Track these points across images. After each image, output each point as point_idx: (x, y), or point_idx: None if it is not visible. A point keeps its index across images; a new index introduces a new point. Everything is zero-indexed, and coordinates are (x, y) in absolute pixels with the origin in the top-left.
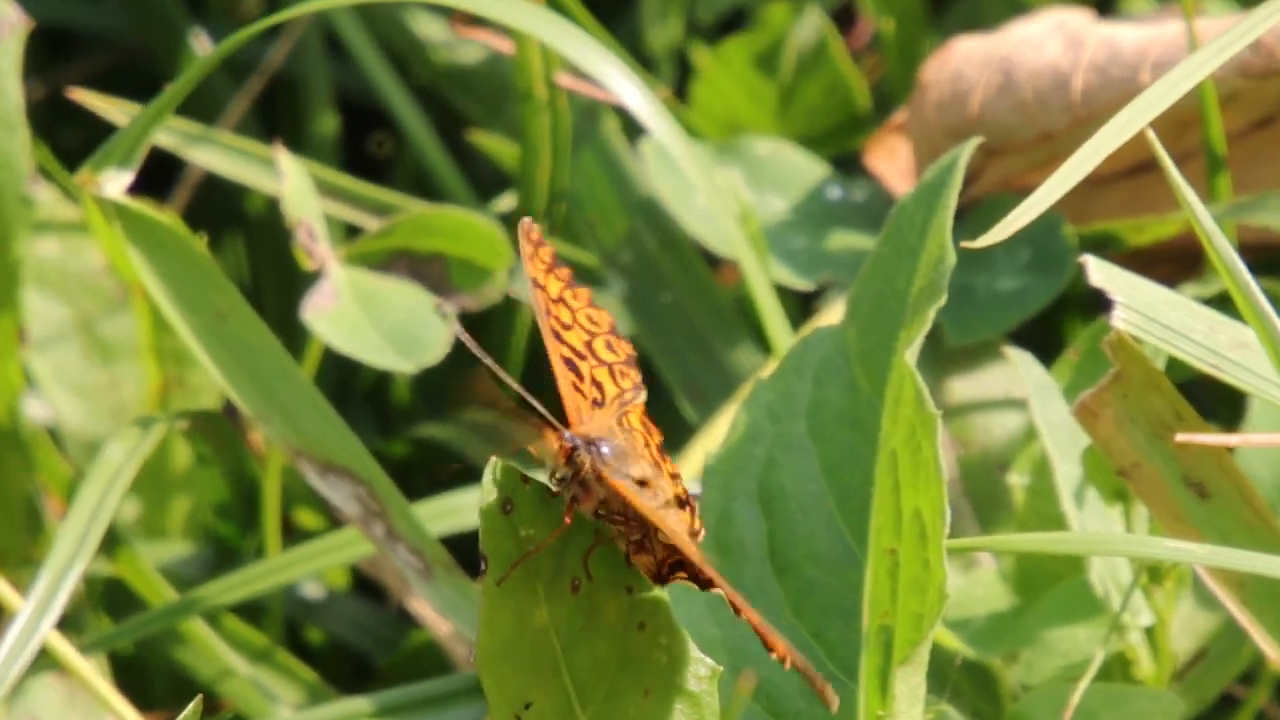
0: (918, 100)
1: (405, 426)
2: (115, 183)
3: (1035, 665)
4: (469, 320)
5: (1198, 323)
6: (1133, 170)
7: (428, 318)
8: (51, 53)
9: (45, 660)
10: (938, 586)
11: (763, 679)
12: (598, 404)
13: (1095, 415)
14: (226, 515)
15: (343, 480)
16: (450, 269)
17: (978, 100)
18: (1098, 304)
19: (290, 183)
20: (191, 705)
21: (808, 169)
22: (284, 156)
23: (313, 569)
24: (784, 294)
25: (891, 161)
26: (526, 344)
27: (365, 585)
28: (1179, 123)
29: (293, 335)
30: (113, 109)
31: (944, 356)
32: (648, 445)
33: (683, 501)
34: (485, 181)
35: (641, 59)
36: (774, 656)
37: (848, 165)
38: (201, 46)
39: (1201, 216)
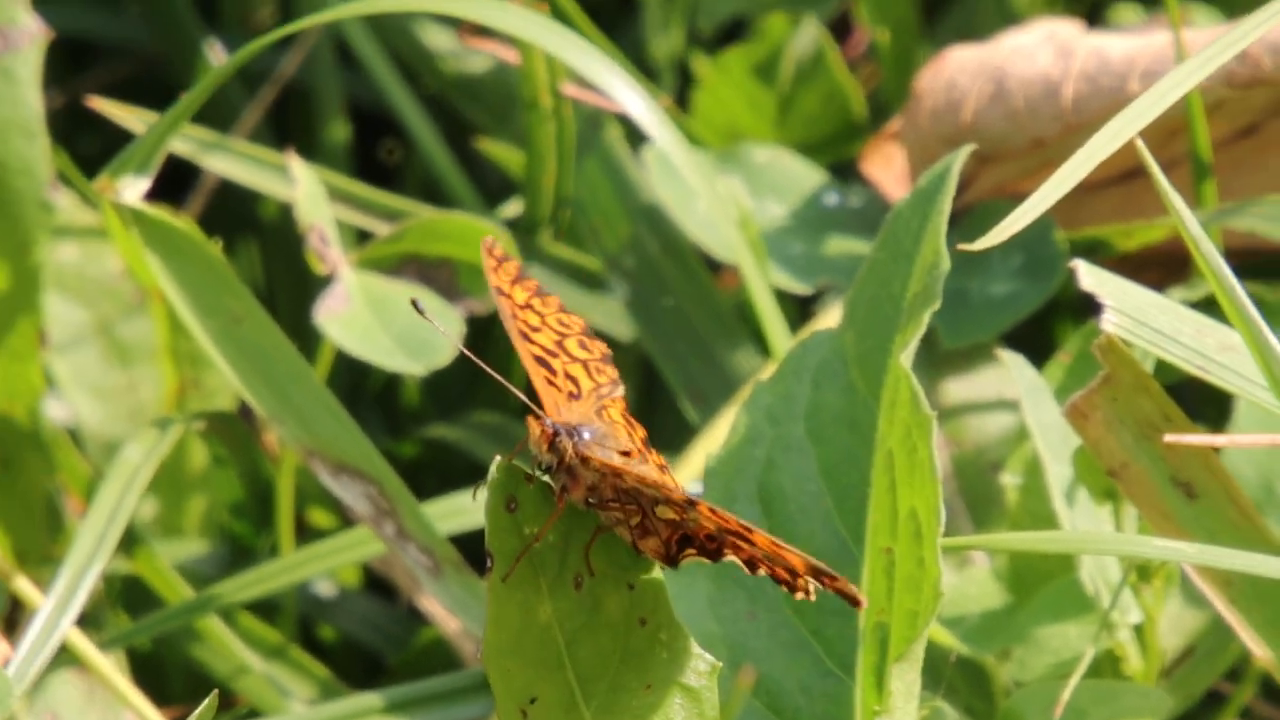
0: (912, 108)
1: (415, 427)
2: (133, 189)
3: (1027, 662)
4: (476, 324)
5: (1185, 326)
6: (1122, 177)
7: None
8: (71, 62)
9: (65, 657)
10: (932, 584)
11: (761, 675)
12: (574, 397)
13: (1085, 416)
14: (241, 514)
15: (354, 480)
16: (458, 273)
17: (971, 108)
18: (1088, 308)
19: (303, 189)
20: (207, 701)
21: (805, 176)
22: (297, 163)
23: (325, 567)
24: (783, 298)
25: (887, 168)
26: None
27: (376, 583)
28: (1166, 131)
29: (305, 338)
30: (130, 117)
31: (939, 359)
32: (631, 439)
33: None
34: (492, 188)
35: (644, 69)
36: (798, 595)
37: (844, 172)
38: (216, 56)
39: (1188, 222)
